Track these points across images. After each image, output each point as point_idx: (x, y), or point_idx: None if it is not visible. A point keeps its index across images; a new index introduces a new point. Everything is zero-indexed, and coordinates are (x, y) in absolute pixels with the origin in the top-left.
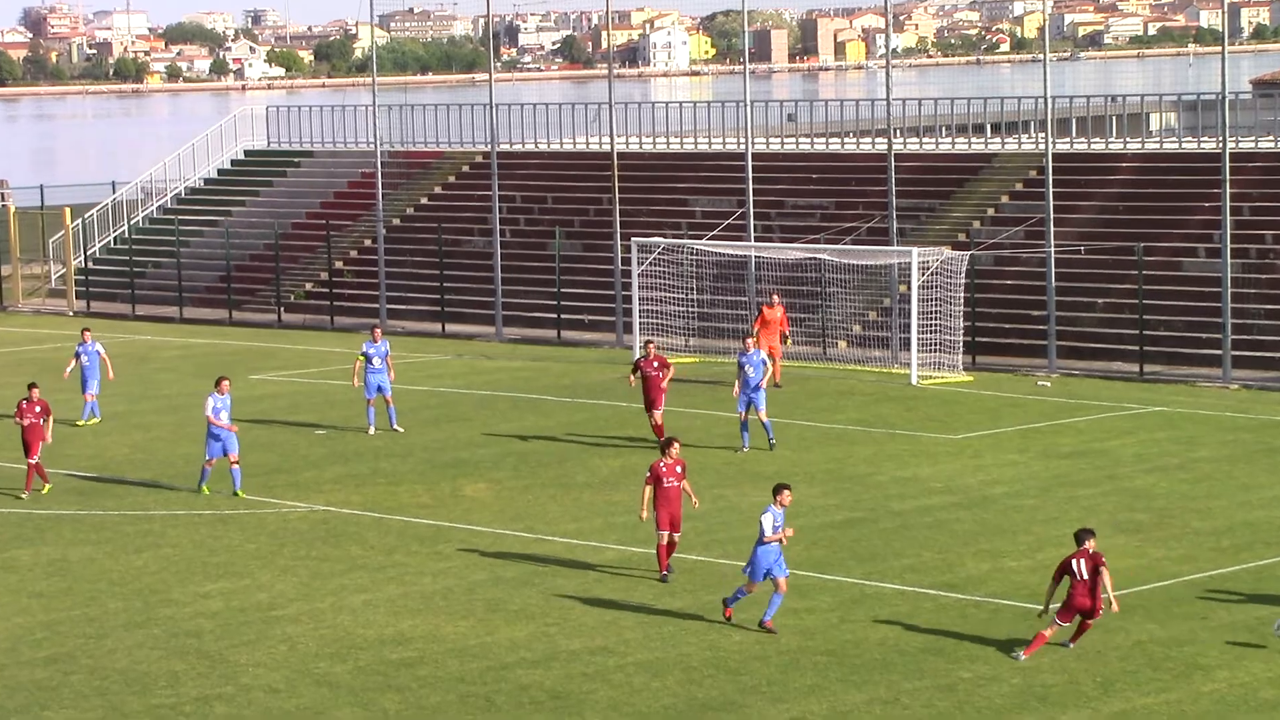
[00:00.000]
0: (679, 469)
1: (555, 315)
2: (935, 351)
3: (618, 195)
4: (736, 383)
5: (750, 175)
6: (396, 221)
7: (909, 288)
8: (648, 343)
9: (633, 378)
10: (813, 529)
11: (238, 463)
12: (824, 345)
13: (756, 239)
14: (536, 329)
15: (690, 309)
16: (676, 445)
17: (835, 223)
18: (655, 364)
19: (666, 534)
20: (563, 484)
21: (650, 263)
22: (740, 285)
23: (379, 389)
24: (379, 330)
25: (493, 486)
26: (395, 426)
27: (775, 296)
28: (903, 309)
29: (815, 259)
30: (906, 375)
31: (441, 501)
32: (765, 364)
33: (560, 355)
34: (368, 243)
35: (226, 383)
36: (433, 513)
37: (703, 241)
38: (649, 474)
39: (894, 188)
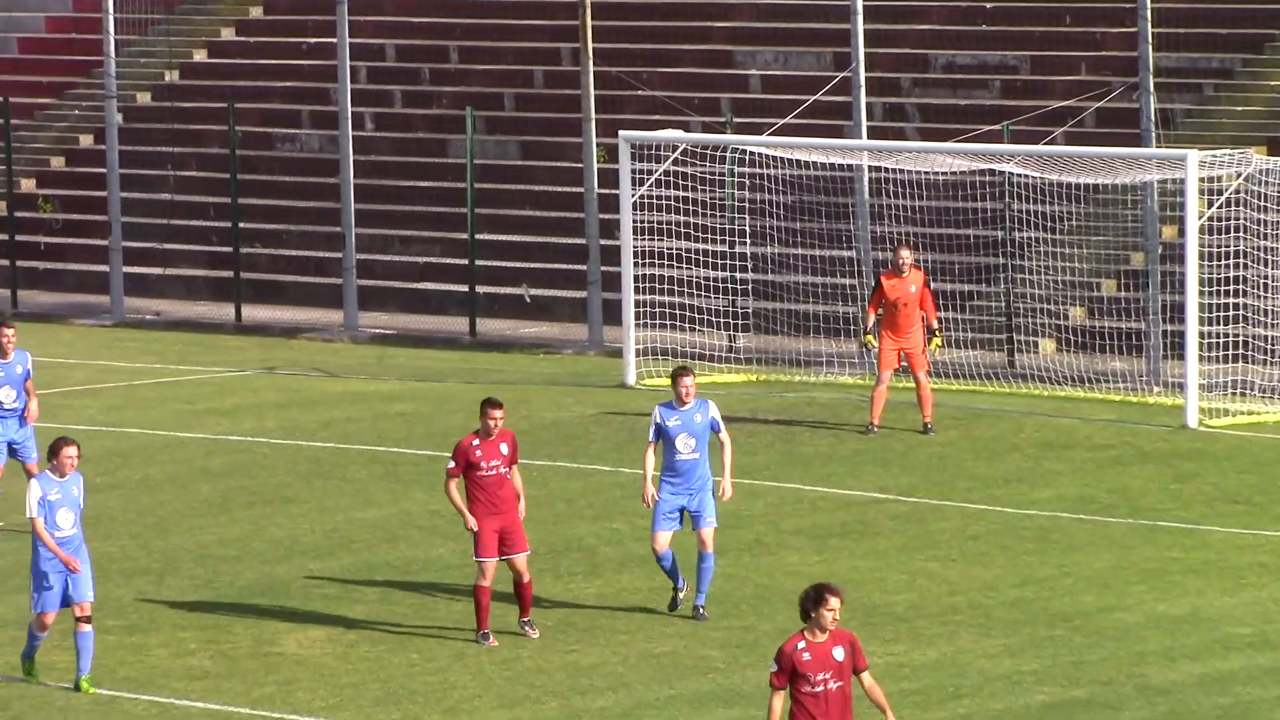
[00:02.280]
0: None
1: (466, 287)
2: (1233, 362)
3: (590, 47)
4: (646, 466)
5: (861, 5)
6: (144, 99)
7: (1182, 231)
8: (488, 405)
9: (453, 484)
10: (989, 716)
11: (88, 619)
12: (1011, 349)
13: (871, 135)
14: (427, 315)
15: (735, 272)
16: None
17: (1028, 101)
18: (502, 447)
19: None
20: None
21: (657, 180)
22: (841, 227)
23: (10, 447)
24: (10, 330)
25: (338, 635)
26: None
27: (906, 253)
28: (1170, 277)
29: (990, 175)
30: (1178, 409)
31: (235, 666)
32: (717, 427)
33: (477, 367)
34: (85, 143)
35: (72, 450)
36: (219, 688)
37: (760, 139)
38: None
39: (1150, 32)
